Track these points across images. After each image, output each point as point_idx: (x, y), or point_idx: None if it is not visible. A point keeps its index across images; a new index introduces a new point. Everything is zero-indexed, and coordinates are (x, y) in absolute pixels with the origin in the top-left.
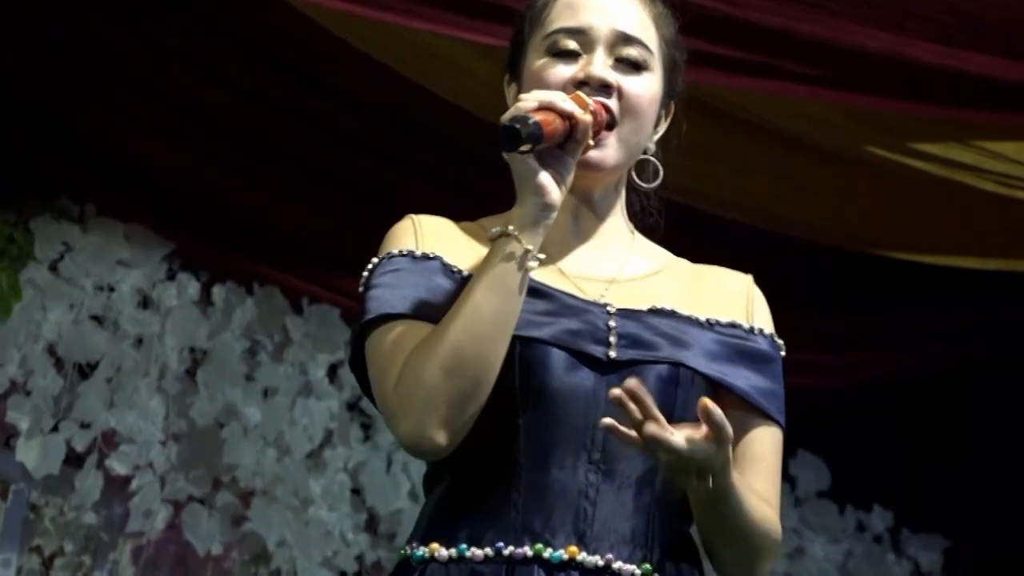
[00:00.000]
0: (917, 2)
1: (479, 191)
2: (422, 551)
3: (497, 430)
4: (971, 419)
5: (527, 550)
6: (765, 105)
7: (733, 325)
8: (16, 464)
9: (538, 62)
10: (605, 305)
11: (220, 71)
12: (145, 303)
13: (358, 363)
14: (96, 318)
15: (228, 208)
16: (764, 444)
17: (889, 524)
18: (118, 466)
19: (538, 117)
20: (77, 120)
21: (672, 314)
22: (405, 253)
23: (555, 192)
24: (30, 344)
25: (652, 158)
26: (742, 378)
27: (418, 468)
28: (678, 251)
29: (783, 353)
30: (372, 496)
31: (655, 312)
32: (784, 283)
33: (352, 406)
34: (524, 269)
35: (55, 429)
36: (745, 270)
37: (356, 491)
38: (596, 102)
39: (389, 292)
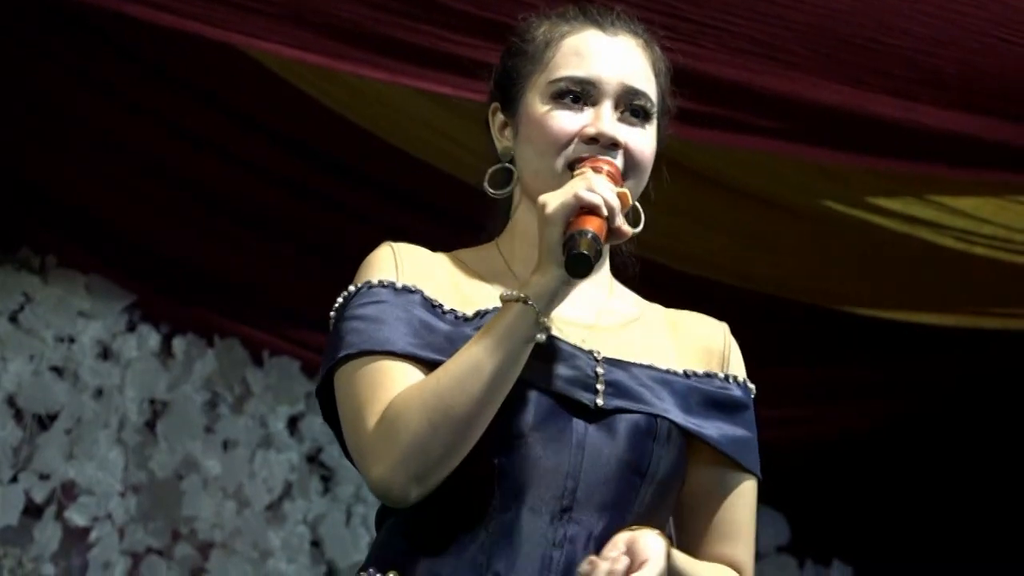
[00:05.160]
0: (877, 56)
1: (442, 246)
2: None
3: (473, 467)
4: (932, 473)
5: None
6: (724, 159)
7: (709, 375)
8: None
9: (542, 107)
10: (592, 352)
11: (181, 124)
12: (105, 354)
13: (326, 396)
14: (56, 369)
15: (189, 261)
16: (740, 505)
17: None
18: (77, 517)
19: (594, 228)
20: (38, 172)
21: (657, 370)
22: (386, 284)
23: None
24: None
25: (636, 203)
26: (716, 429)
27: None
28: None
29: (754, 396)
30: (331, 548)
31: (642, 366)
32: (745, 337)
33: (312, 458)
34: (532, 341)
35: (14, 480)
36: None
37: (315, 543)
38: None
39: (371, 326)
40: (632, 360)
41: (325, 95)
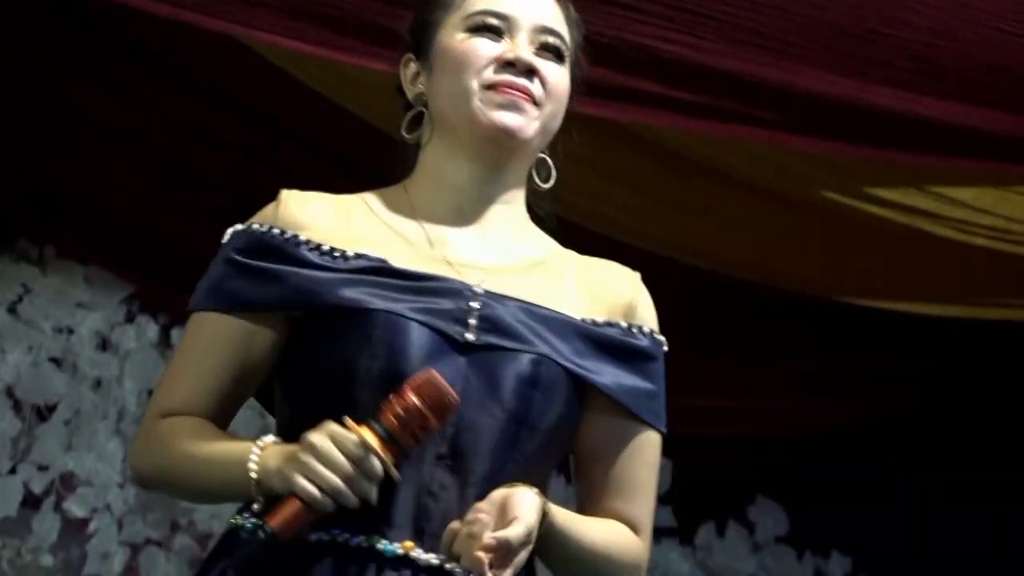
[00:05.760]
0: (877, 47)
1: None
2: (253, 523)
3: (346, 408)
4: (931, 464)
5: (361, 540)
6: (721, 149)
7: (611, 324)
8: None
9: (458, 36)
10: (473, 286)
11: (180, 115)
12: (104, 345)
13: None
14: (55, 360)
15: (187, 251)
16: (638, 459)
17: (847, 570)
18: (76, 509)
19: (288, 519)
20: (36, 163)
21: (545, 309)
22: (264, 230)
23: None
24: None
25: (547, 157)
26: (612, 377)
27: None
28: None
29: (666, 349)
30: None
31: (527, 304)
32: (741, 329)
33: None
34: (242, 494)
35: (13, 471)
36: (699, 315)
37: None
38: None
39: (225, 281)
40: (525, 300)
41: (327, 88)
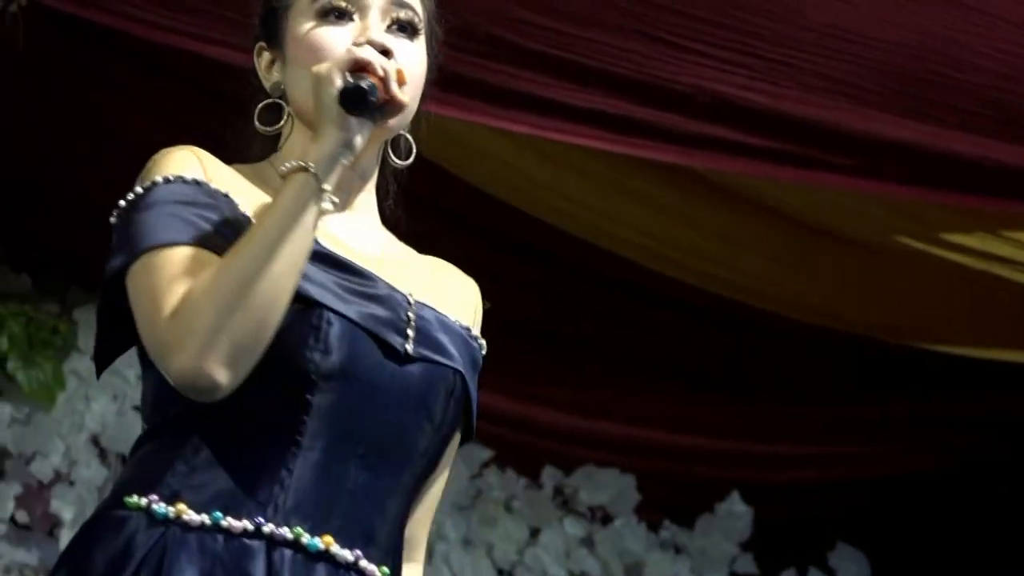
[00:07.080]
0: (951, 93)
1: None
2: (166, 509)
3: (284, 402)
4: (1008, 510)
5: (287, 532)
6: (797, 195)
7: (469, 330)
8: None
9: (307, 25)
10: (407, 294)
11: (200, 128)
12: None
13: (111, 303)
14: (139, 408)
15: None
16: (445, 473)
17: None
18: None
19: (371, 79)
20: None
21: (446, 317)
22: (190, 180)
23: (358, 134)
24: (74, 434)
25: (407, 134)
26: (475, 392)
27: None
28: (718, 345)
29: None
30: None
31: (439, 314)
32: (820, 374)
33: None
34: (319, 207)
35: None
36: (779, 362)
37: None
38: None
39: (169, 219)
40: (431, 304)
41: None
